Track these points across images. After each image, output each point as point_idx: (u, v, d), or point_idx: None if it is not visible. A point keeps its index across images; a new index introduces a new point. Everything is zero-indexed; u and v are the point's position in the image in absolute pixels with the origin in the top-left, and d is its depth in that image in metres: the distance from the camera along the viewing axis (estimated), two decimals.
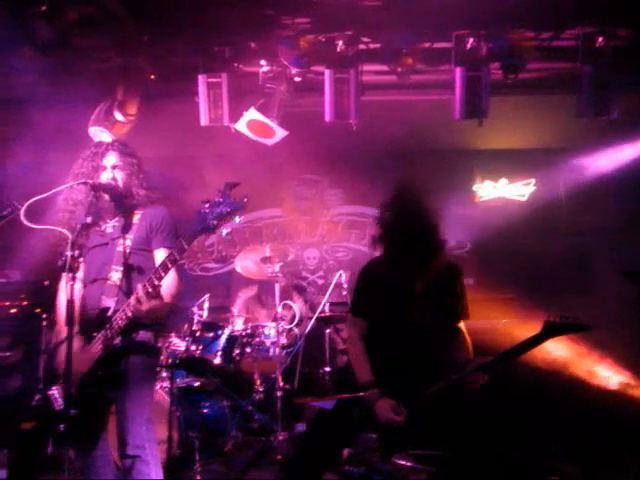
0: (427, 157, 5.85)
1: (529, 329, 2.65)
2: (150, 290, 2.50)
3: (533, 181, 6.13)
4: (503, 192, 6.18)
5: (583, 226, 5.87)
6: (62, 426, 2.41)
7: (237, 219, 2.42)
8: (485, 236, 5.81)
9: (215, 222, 2.38)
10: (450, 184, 5.81)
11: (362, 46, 4.31)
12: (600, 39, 4.06)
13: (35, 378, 4.14)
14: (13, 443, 3.84)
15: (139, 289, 2.52)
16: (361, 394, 2.72)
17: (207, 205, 2.40)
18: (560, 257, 5.75)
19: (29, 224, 2.56)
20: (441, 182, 5.76)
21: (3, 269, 5.07)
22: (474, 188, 6.20)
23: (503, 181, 6.19)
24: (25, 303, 4.39)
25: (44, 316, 4.22)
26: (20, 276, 4.96)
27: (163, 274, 2.51)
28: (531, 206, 6.03)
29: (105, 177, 2.80)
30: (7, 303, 4.37)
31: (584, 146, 5.52)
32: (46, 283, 4.23)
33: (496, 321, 4.71)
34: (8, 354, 4.17)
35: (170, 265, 2.51)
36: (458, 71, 4.21)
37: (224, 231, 2.46)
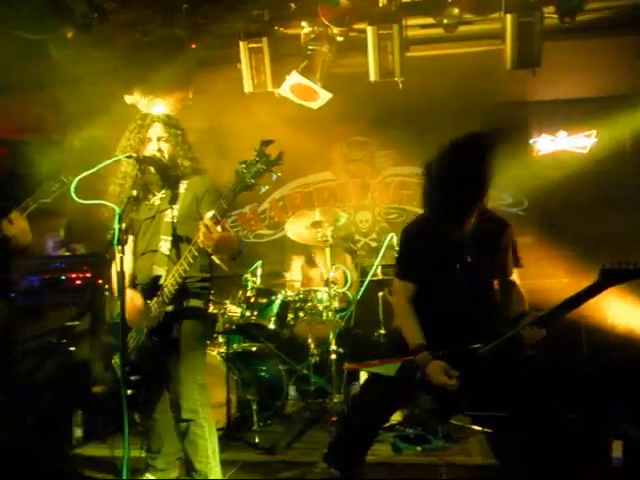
0: (479, 112, 5.59)
1: None
2: (219, 218, 2.51)
3: (594, 132, 5.75)
4: (562, 145, 5.85)
5: None
6: (130, 391, 2.52)
7: (274, 176, 2.43)
8: (544, 192, 5.53)
9: (253, 180, 2.42)
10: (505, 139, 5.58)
11: None
12: None
13: (102, 346, 4.34)
14: (86, 405, 4.08)
15: (205, 218, 2.53)
16: (412, 357, 2.70)
17: (244, 165, 2.43)
18: (626, 212, 5.44)
19: (79, 200, 2.64)
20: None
21: (69, 243, 5.34)
22: (531, 142, 5.89)
23: (562, 134, 5.85)
24: (89, 275, 4.58)
25: (106, 287, 4.41)
26: (84, 249, 5.20)
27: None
28: (593, 159, 5.67)
29: (151, 149, 2.85)
30: (73, 275, 4.58)
31: None
32: (107, 256, 4.39)
33: (557, 280, 4.54)
34: (77, 323, 4.37)
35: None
36: (509, 18, 3.96)
37: (262, 188, 2.48)
